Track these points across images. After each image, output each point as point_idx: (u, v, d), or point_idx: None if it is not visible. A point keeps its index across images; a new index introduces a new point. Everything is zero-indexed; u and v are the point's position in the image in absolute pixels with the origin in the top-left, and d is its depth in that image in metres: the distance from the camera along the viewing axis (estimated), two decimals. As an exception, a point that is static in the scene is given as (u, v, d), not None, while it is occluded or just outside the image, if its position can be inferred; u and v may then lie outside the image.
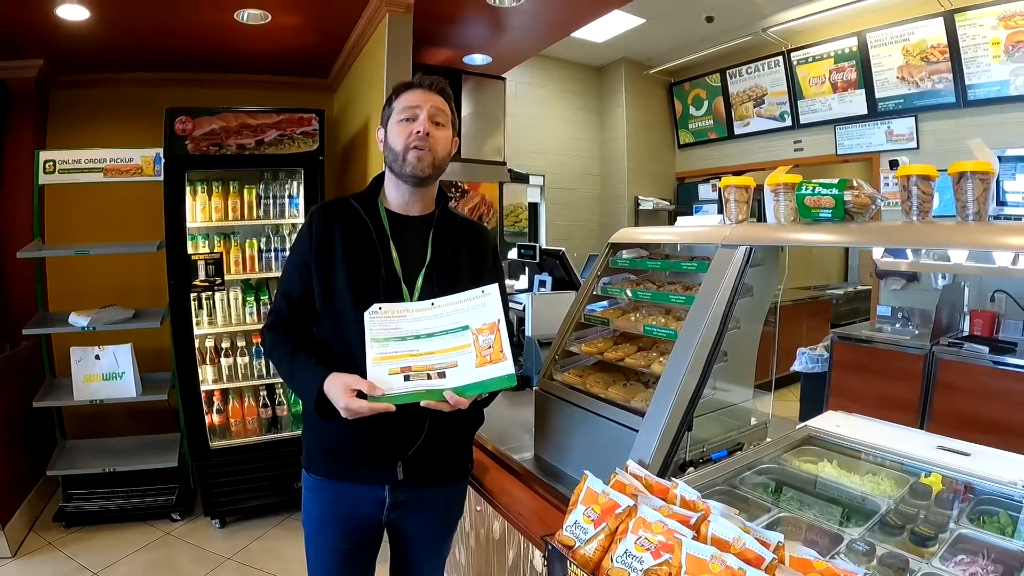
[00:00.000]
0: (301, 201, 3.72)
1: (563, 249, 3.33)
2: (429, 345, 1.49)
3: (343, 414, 1.41)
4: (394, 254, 1.59)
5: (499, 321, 1.49)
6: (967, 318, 3.92)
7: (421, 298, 1.55)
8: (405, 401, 1.42)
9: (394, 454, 1.58)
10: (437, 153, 1.59)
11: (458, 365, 1.47)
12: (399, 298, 1.55)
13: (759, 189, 1.74)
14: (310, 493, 1.68)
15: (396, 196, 1.66)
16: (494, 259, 1.77)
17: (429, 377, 1.46)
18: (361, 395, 1.40)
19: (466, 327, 1.49)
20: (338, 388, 1.42)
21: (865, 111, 5.46)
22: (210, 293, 3.61)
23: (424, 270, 1.59)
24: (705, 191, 6.98)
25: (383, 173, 1.69)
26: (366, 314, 1.47)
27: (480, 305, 1.51)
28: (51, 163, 3.59)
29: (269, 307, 1.79)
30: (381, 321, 1.48)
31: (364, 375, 1.44)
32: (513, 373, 1.46)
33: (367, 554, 1.72)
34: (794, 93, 6.01)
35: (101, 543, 3.41)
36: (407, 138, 1.56)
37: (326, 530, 1.66)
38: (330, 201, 1.70)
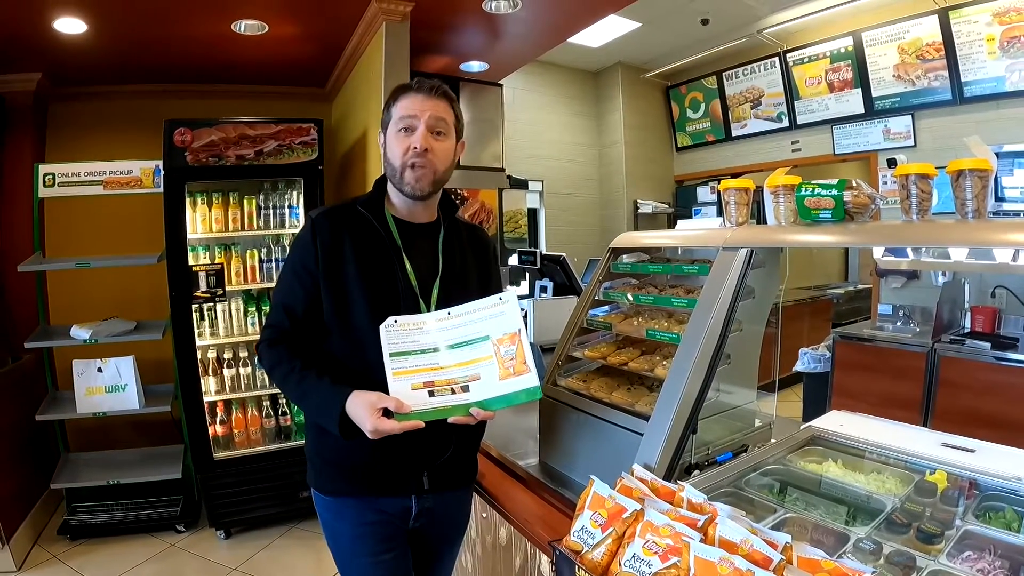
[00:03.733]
0: (301, 211, 3.73)
1: (563, 254, 3.34)
2: (450, 358, 1.45)
3: (370, 436, 1.35)
4: (408, 265, 1.54)
5: (520, 331, 1.46)
6: (968, 315, 3.92)
7: (437, 309, 1.51)
8: (432, 418, 1.38)
9: (421, 465, 1.55)
10: (437, 168, 1.52)
11: (481, 378, 1.43)
12: (416, 310, 1.50)
13: (758, 191, 1.74)
14: (329, 514, 1.61)
15: (401, 204, 1.60)
16: (496, 264, 1.77)
17: (453, 392, 1.42)
18: (386, 413, 1.35)
19: (486, 337, 1.46)
20: (363, 408, 1.35)
21: (862, 110, 5.47)
22: (211, 304, 3.62)
23: (439, 280, 1.56)
24: (704, 193, 6.99)
25: (385, 176, 1.60)
26: (381, 328, 1.43)
27: (499, 314, 1.47)
28: (51, 176, 3.60)
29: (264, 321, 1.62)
30: (398, 334, 1.44)
31: (385, 391, 1.39)
32: (539, 386, 1.43)
33: (407, 559, 1.66)
34: (791, 94, 6.02)
35: (106, 556, 3.41)
36: (404, 154, 1.49)
37: (365, 545, 1.58)
38: (333, 207, 1.60)
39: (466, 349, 1.46)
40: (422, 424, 1.36)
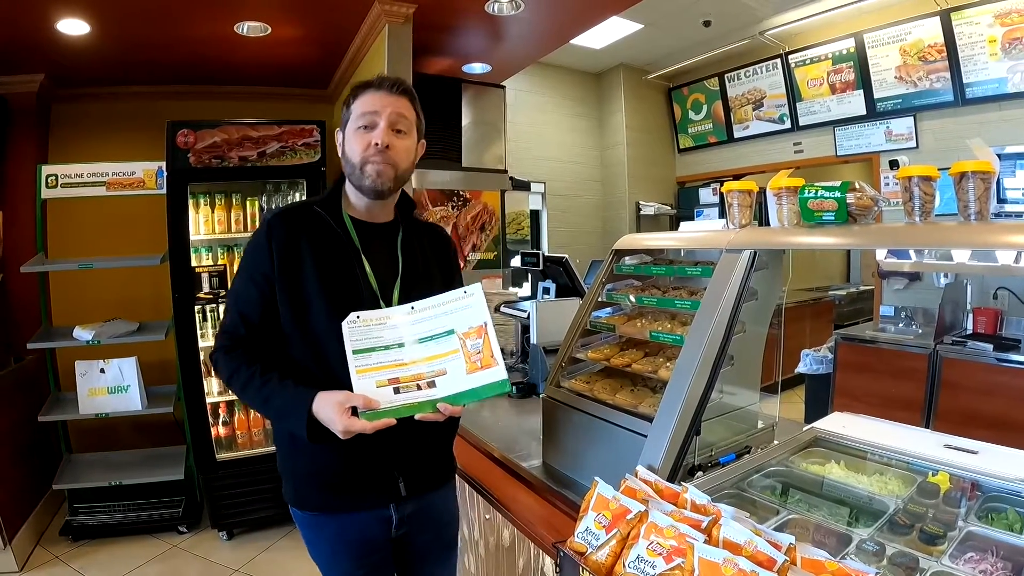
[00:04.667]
0: (303, 212, 3.72)
1: (566, 256, 3.33)
2: (414, 353, 1.42)
3: (341, 436, 1.31)
4: (367, 267, 1.51)
5: (486, 324, 1.43)
6: (970, 316, 3.93)
7: None
8: (399, 415, 1.34)
9: (395, 470, 1.53)
10: (398, 165, 1.50)
11: (447, 373, 1.40)
12: None
13: (761, 193, 1.75)
14: (309, 531, 1.59)
15: (359, 203, 1.57)
16: (457, 263, 1.76)
17: (419, 388, 1.39)
18: (354, 412, 1.32)
19: (451, 331, 1.43)
20: (331, 408, 1.31)
21: (864, 111, 5.47)
22: (214, 305, 3.63)
23: (399, 281, 1.53)
24: (706, 195, 6.98)
25: (344, 175, 1.58)
26: (344, 324, 1.39)
27: (464, 307, 1.45)
28: (53, 177, 3.61)
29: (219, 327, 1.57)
30: (361, 331, 1.40)
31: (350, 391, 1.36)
32: (507, 378, 1.40)
33: (388, 572, 1.67)
34: (793, 95, 6.02)
35: (108, 556, 3.41)
36: (364, 150, 1.47)
37: (340, 563, 1.57)
38: (288, 208, 1.56)
39: (431, 344, 1.43)
40: (394, 421, 1.33)
